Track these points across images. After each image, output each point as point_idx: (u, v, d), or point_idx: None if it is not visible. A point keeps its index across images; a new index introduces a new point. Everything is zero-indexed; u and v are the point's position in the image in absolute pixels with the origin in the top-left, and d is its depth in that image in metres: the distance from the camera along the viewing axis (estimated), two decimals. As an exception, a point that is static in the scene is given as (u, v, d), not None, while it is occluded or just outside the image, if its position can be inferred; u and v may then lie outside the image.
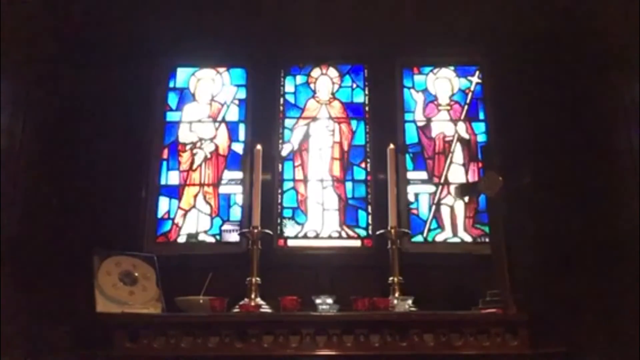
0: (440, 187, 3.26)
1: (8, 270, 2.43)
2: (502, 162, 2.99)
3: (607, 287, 2.68)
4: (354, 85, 3.48)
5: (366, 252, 3.13)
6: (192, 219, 3.22)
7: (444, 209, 3.23)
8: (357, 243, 3.17)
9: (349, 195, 3.26)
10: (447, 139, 3.35)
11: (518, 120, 3.22)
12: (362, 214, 3.22)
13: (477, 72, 3.47)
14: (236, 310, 2.43)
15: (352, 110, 3.43)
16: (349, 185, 3.27)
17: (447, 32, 3.37)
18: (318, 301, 2.49)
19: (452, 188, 3.17)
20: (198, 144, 3.35)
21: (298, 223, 3.21)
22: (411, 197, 3.24)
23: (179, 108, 3.44)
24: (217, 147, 3.35)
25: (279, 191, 3.24)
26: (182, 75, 3.50)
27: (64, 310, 2.71)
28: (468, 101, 3.43)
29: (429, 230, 3.19)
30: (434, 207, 3.22)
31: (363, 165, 3.31)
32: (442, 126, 3.38)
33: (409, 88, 3.46)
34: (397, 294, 2.54)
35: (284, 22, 3.39)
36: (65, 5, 3.05)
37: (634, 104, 2.59)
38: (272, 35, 3.40)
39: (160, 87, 3.43)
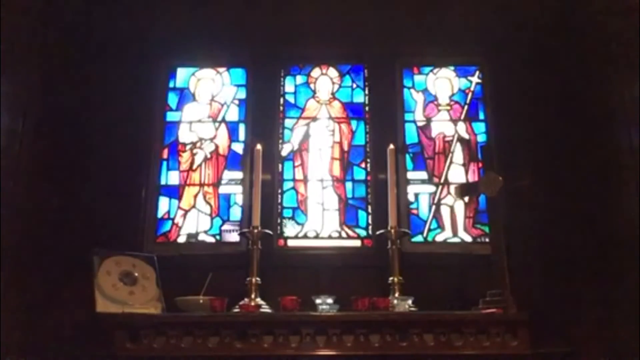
0: (440, 187, 3.26)
1: (8, 270, 2.43)
2: (502, 162, 3.00)
3: (607, 287, 2.68)
4: (354, 85, 3.48)
5: (366, 252, 3.13)
6: (192, 219, 3.22)
7: (444, 209, 3.23)
8: (357, 243, 3.17)
9: (349, 195, 3.26)
10: (447, 139, 3.35)
11: (518, 120, 3.22)
12: (362, 214, 3.22)
13: (477, 72, 3.47)
14: (236, 310, 2.43)
15: (352, 110, 3.43)
16: (349, 185, 3.27)
17: (447, 32, 3.38)
18: (318, 301, 2.48)
19: (452, 188, 3.17)
20: (198, 144, 3.35)
21: (298, 223, 3.21)
22: (411, 197, 3.24)
23: (179, 108, 3.44)
24: (217, 147, 3.35)
25: (279, 191, 3.24)
26: (182, 75, 3.50)
27: (64, 310, 2.71)
28: (468, 101, 3.43)
29: (429, 230, 3.19)
30: (434, 207, 3.22)
31: (363, 165, 3.31)
32: (442, 126, 3.38)
33: (409, 88, 3.46)
34: (397, 294, 2.54)
35: (284, 22, 3.39)
36: (65, 5, 3.05)
37: (634, 104, 2.59)
38: (272, 35, 3.40)
39: (160, 87, 3.43)
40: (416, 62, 3.51)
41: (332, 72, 3.51)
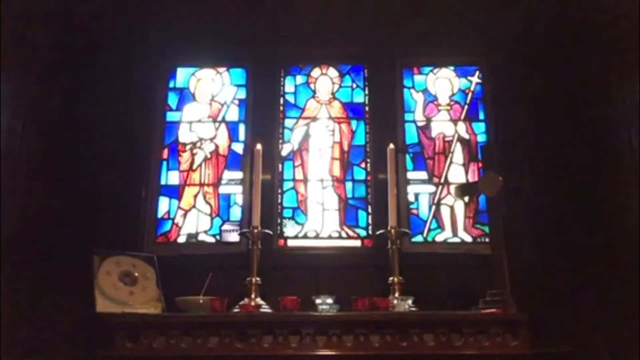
0: (440, 187, 3.26)
1: (8, 270, 2.43)
2: (502, 162, 3.00)
3: (607, 287, 2.68)
4: (354, 85, 3.48)
5: (366, 252, 3.13)
6: (192, 219, 3.22)
7: (444, 209, 3.23)
8: (357, 243, 3.17)
9: (349, 195, 3.25)
10: (447, 139, 3.35)
11: (518, 120, 3.22)
12: (362, 214, 3.22)
13: (477, 72, 3.47)
14: (236, 310, 2.43)
15: (352, 110, 3.43)
16: (349, 185, 3.27)
17: (447, 32, 3.38)
18: (318, 301, 2.48)
19: (452, 188, 3.17)
20: (198, 144, 3.35)
21: (298, 223, 3.21)
22: (411, 197, 3.24)
23: (179, 108, 3.44)
24: (217, 147, 3.35)
25: (279, 191, 3.24)
26: (182, 75, 3.50)
27: (63, 310, 2.71)
28: (468, 101, 3.43)
29: (429, 230, 3.19)
30: (434, 207, 3.22)
31: (363, 165, 3.31)
32: (442, 126, 3.38)
33: (409, 88, 3.46)
34: (397, 294, 2.54)
35: (284, 22, 3.39)
36: (65, 5, 3.05)
37: (634, 104, 2.59)
38: (272, 35, 3.40)
39: (160, 87, 3.43)
40: (416, 62, 3.50)
41: (332, 72, 3.51)
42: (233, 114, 3.42)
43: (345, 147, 3.35)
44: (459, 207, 3.22)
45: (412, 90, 3.45)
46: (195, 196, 3.26)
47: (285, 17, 3.38)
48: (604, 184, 2.84)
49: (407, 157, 3.31)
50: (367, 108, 3.41)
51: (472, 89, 3.45)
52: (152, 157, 3.28)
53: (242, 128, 3.38)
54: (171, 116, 3.42)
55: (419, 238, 3.17)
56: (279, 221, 3.18)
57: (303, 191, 3.27)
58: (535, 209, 3.02)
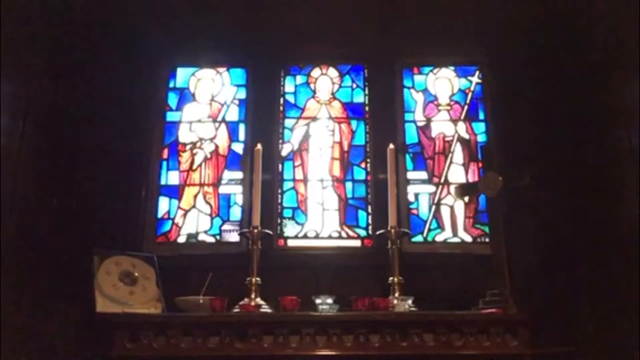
0: (440, 187, 3.26)
1: (8, 270, 2.42)
2: (502, 162, 3.00)
3: (607, 287, 2.68)
4: (354, 85, 3.48)
5: (366, 252, 3.13)
6: (192, 219, 3.22)
7: (444, 209, 3.23)
8: (357, 243, 3.17)
9: (349, 195, 3.26)
10: (447, 139, 3.36)
11: (518, 120, 3.22)
12: (362, 214, 3.22)
13: (477, 72, 3.47)
14: (236, 310, 2.43)
15: (352, 110, 3.44)
16: (349, 185, 3.28)
17: (447, 32, 3.38)
18: (318, 301, 2.48)
19: (452, 188, 3.17)
20: (198, 144, 3.36)
21: (298, 223, 3.21)
22: (411, 197, 3.24)
23: (179, 108, 3.44)
24: (217, 147, 3.35)
25: (279, 191, 3.24)
26: (182, 75, 3.50)
27: (63, 310, 2.71)
28: (468, 101, 3.43)
29: (429, 230, 3.19)
30: (434, 207, 3.22)
31: (363, 165, 3.31)
32: (442, 126, 3.39)
33: (409, 88, 3.46)
34: (397, 294, 2.54)
35: (284, 22, 3.39)
36: (65, 5, 3.05)
37: (634, 104, 2.59)
38: (272, 35, 3.40)
39: (160, 87, 3.43)
40: (416, 62, 3.51)
41: (332, 72, 3.51)
42: (233, 114, 3.42)
43: (345, 147, 3.36)
44: (459, 207, 3.22)
45: (412, 91, 3.46)
46: (195, 196, 3.26)
47: (285, 17, 3.38)
48: (604, 184, 2.84)
49: (407, 157, 3.31)
50: (367, 108, 3.41)
51: (472, 89, 3.45)
52: (152, 157, 3.28)
53: (242, 128, 3.38)
54: (171, 116, 3.42)
55: (419, 238, 3.17)
56: (279, 221, 3.18)
57: (303, 191, 3.27)
58: (535, 209, 3.02)
